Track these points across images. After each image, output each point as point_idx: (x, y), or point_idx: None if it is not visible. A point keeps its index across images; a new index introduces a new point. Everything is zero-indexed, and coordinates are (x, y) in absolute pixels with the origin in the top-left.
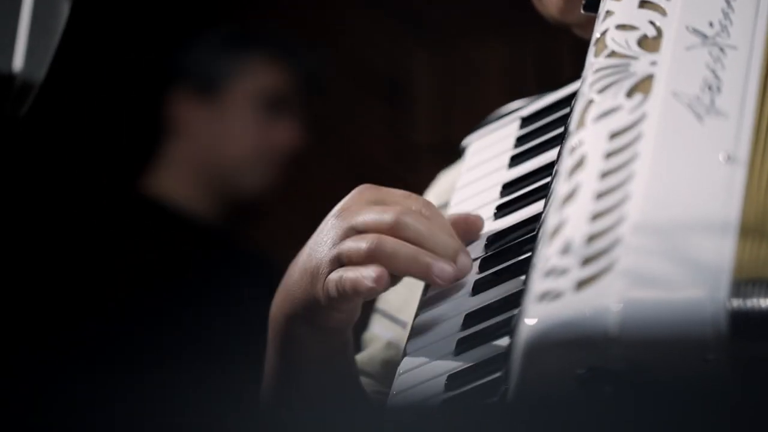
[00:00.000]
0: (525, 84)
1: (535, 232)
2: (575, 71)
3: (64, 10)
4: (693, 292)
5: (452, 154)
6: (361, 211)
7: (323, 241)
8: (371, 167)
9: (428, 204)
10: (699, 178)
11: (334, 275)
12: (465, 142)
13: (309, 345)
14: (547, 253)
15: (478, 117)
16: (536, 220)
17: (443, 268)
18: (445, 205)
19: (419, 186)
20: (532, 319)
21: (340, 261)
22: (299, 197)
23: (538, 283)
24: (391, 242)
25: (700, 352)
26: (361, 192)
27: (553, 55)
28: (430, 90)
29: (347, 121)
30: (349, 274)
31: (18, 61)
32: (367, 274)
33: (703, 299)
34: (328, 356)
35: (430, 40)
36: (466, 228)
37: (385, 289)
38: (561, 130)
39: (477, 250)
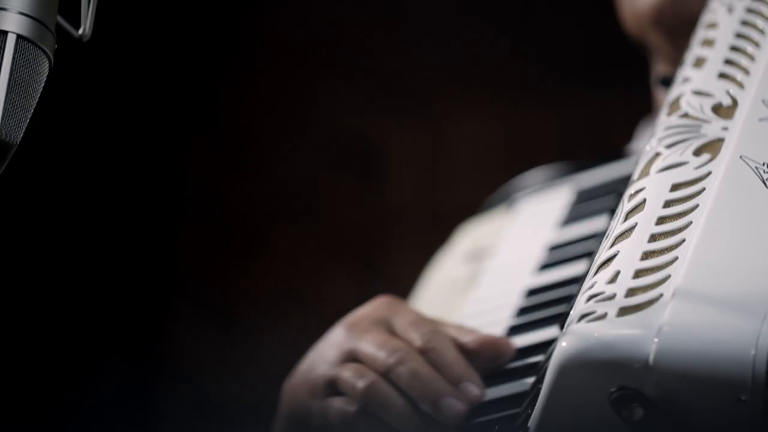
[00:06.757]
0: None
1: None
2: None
3: (44, 70)
4: (736, 333)
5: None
6: (366, 334)
7: (327, 354)
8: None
9: (435, 335)
10: (757, 238)
11: (338, 404)
12: (516, 196)
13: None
14: (594, 280)
15: (453, 182)
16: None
17: None
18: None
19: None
20: (571, 335)
21: (334, 387)
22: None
23: (581, 304)
24: (383, 394)
25: (735, 391)
26: (375, 307)
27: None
28: (404, 156)
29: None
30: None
31: None
32: None
33: (745, 341)
34: None
35: (405, 108)
36: (494, 353)
37: None
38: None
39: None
